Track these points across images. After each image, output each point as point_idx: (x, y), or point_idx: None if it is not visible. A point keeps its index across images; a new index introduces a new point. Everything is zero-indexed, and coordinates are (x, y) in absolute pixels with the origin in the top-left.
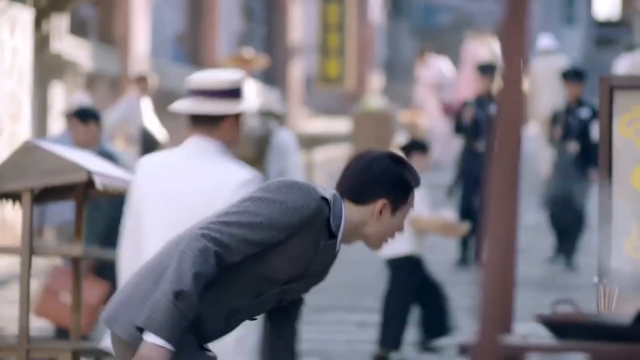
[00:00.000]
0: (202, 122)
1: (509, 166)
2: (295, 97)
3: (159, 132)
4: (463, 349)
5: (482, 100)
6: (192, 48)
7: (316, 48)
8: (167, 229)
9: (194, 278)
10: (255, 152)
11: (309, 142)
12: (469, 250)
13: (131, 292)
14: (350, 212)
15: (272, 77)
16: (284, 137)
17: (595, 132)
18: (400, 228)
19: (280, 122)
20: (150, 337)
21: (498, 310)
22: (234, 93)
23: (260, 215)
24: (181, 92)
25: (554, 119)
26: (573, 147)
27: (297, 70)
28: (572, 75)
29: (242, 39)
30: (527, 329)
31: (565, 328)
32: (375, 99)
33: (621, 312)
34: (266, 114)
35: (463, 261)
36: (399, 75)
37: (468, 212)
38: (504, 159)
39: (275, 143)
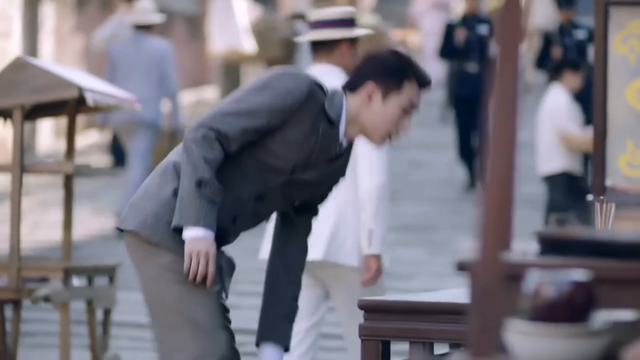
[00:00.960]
0: (322, 50)
1: (508, 84)
2: (286, 14)
3: None
4: (462, 266)
5: (469, 20)
6: None
7: None
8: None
9: (206, 163)
10: (284, 52)
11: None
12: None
13: (139, 193)
14: (347, 102)
15: None
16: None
17: (592, 54)
18: (397, 121)
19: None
20: (189, 232)
21: (498, 228)
22: (347, 22)
23: (253, 102)
24: (173, 11)
25: (547, 40)
26: None
27: None
28: (563, 1)
29: None
30: (524, 247)
31: (564, 245)
32: (367, 17)
33: (619, 229)
34: (294, 16)
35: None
36: None
37: (465, 139)
38: (504, 76)
39: (304, 43)
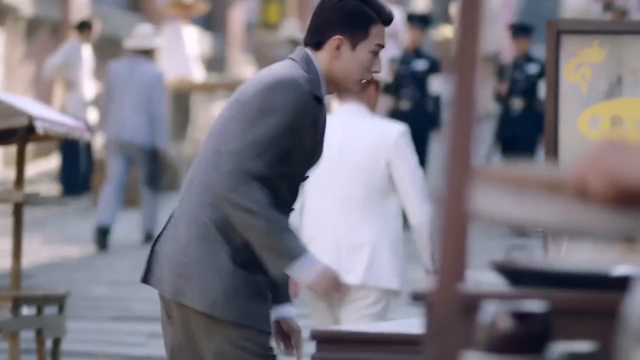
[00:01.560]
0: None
1: (464, 113)
2: (235, 43)
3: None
4: (416, 297)
5: (409, 57)
6: None
7: None
8: (337, 183)
9: (265, 207)
10: None
11: None
12: None
13: (184, 260)
14: (317, 61)
15: (213, 22)
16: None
17: (543, 89)
18: (369, 65)
19: None
20: (294, 268)
21: (454, 258)
22: None
23: (266, 134)
24: (122, 39)
25: (500, 74)
26: (518, 104)
27: (238, 16)
28: (520, 30)
29: None
30: (479, 276)
31: (520, 275)
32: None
33: (572, 258)
34: (290, 41)
35: None
36: None
37: None
38: (460, 104)
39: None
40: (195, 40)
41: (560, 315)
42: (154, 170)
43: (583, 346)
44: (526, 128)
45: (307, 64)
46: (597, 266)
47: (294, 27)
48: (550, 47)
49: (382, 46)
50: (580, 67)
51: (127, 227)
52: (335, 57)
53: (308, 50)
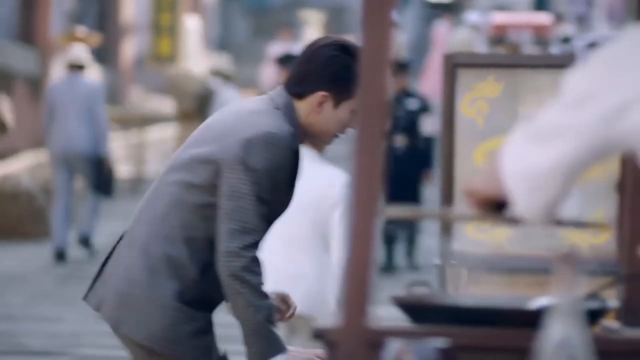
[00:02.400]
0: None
1: (370, 148)
2: (126, 75)
3: None
4: (319, 334)
5: (400, 97)
6: (25, 26)
7: (148, 26)
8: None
9: (261, 293)
10: (196, 107)
11: (141, 122)
12: None
13: (125, 287)
14: (297, 110)
15: (104, 55)
16: (231, 95)
17: (424, 125)
18: (348, 123)
19: (227, 81)
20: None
21: (359, 295)
22: None
23: (253, 192)
24: (13, 71)
25: None
26: (400, 141)
27: (129, 49)
28: (398, 66)
29: (75, 18)
30: (380, 313)
31: (422, 311)
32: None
33: (473, 293)
34: (215, 73)
35: None
36: (232, 55)
37: None
38: (367, 144)
39: (221, 100)
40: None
41: (463, 352)
42: (102, 178)
43: None
44: (409, 165)
45: (290, 114)
46: (501, 301)
47: (223, 61)
48: (446, 81)
49: None
50: (476, 101)
51: (21, 259)
52: (317, 112)
53: (290, 99)
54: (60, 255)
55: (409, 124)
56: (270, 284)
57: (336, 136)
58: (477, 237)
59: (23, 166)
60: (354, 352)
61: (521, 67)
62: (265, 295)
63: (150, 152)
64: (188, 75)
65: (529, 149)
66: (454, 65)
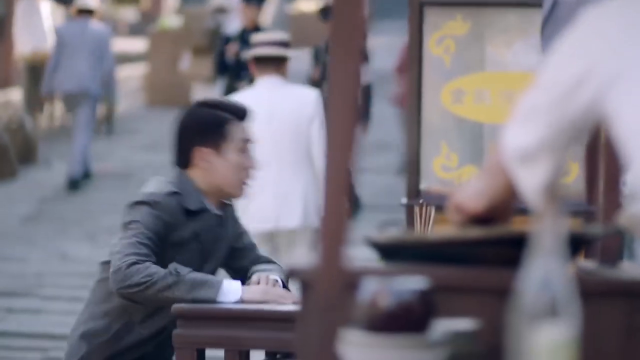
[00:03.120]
0: (269, 64)
1: (347, 79)
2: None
3: None
4: (293, 273)
5: (246, 33)
6: None
7: None
8: (270, 142)
9: (153, 272)
10: (208, 42)
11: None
12: None
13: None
14: (193, 179)
15: None
16: (234, 27)
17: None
18: (243, 163)
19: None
20: (224, 291)
21: (337, 235)
22: (286, 44)
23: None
24: None
25: (315, 58)
26: None
27: None
28: (326, 14)
29: None
30: (354, 253)
31: (397, 250)
32: (170, 19)
33: (441, 232)
34: (217, 10)
35: None
36: None
37: None
38: (342, 73)
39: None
40: (49, 14)
41: (441, 292)
42: (107, 118)
43: (465, 324)
44: None
45: (179, 180)
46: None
47: None
48: (413, 20)
49: (249, 141)
50: (444, 39)
51: None
52: (206, 168)
53: (181, 172)
54: (74, 185)
55: None
56: (268, 205)
57: (243, 182)
58: (444, 175)
59: None
60: (333, 292)
61: (489, 6)
62: (157, 272)
63: (119, 89)
64: (196, 12)
65: (518, 131)
66: (421, 3)
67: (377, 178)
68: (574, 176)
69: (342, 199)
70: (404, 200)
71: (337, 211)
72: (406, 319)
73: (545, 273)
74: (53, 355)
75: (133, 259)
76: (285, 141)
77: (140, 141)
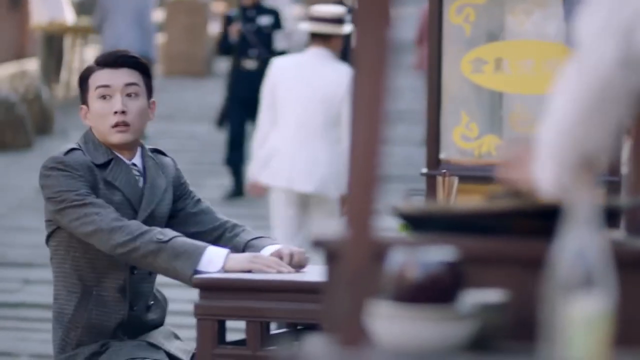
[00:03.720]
0: (320, 38)
1: (376, 47)
2: None
3: None
4: (318, 243)
5: (247, 11)
6: None
7: None
8: (300, 107)
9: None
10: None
11: None
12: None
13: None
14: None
15: None
16: None
17: (277, 41)
18: (104, 110)
19: None
20: (208, 266)
21: (367, 205)
22: (341, 20)
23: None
24: None
25: (227, 24)
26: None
27: None
28: None
29: None
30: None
31: (422, 220)
32: None
33: (468, 203)
34: None
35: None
36: None
37: (239, 139)
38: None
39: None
40: None
41: (473, 264)
42: None
43: (494, 295)
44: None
45: (84, 138)
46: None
47: None
48: None
49: (105, 86)
50: (464, 8)
51: (1, 169)
52: (89, 125)
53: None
54: None
55: (261, 41)
56: (285, 165)
57: (112, 127)
58: (464, 145)
59: (3, 76)
60: (360, 264)
61: None
62: (140, 233)
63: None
64: None
65: (561, 100)
66: None
67: (396, 148)
68: None
69: (371, 169)
70: (424, 170)
71: (366, 181)
72: (434, 291)
73: (580, 244)
74: (46, 327)
75: (107, 217)
76: (316, 111)
77: (157, 111)
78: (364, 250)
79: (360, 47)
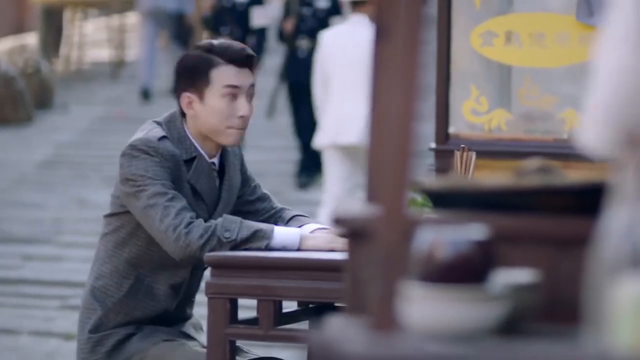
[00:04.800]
0: (359, 5)
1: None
2: None
3: None
4: (339, 221)
5: None
6: None
7: None
8: (347, 68)
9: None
10: None
11: (122, 6)
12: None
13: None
14: (190, 129)
15: None
16: None
17: (255, 17)
18: (228, 111)
19: None
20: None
21: (400, 182)
22: None
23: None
24: None
25: (286, 7)
26: (306, 44)
27: None
28: None
29: None
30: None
31: (448, 196)
32: None
33: (495, 179)
34: None
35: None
36: None
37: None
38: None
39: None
40: None
41: (508, 243)
42: (182, 32)
43: (525, 275)
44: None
45: (170, 125)
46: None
47: None
48: None
49: (235, 87)
50: None
51: (1, 143)
52: (191, 115)
53: (176, 114)
54: (146, 94)
55: (317, 26)
56: (332, 122)
57: (230, 129)
58: (474, 120)
59: (2, 50)
60: (394, 243)
61: None
62: (211, 233)
63: (130, 36)
64: None
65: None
66: None
67: None
68: None
69: (405, 144)
70: (432, 145)
71: (400, 157)
72: (464, 271)
73: (628, 222)
74: (72, 303)
75: (183, 221)
76: (357, 72)
77: (158, 86)
78: (398, 229)
79: (393, 21)
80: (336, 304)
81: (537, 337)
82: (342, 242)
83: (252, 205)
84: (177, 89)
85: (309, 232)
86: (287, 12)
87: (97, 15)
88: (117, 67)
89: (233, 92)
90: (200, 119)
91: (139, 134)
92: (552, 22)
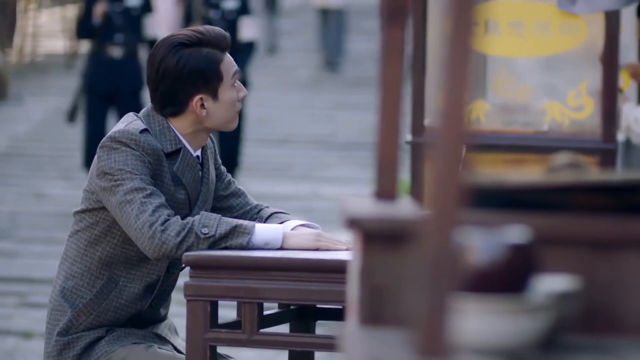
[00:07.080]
0: None
1: (459, 56)
2: None
3: None
4: (354, 222)
5: None
6: None
7: None
8: None
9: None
10: None
11: None
12: None
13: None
14: (178, 125)
15: None
16: None
17: (244, 29)
18: (239, 97)
19: None
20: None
21: (450, 181)
22: None
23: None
24: None
25: (188, 14)
26: None
27: None
28: None
29: None
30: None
31: (483, 195)
32: None
33: (522, 175)
34: None
35: None
36: None
37: (96, 138)
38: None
39: None
40: None
41: (550, 246)
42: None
43: (566, 282)
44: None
45: (148, 118)
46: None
47: None
48: None
49: (237, 72)
50: None
51: None
52: (202, 115)
53: (163, 119)
54: None
55: (227, 28)
56: None
57: (237, 114)
58: None
59: None
60: (448, 250)
61: None
62: (188, 231)
63: None
64: None
65: None
66: None
67: (366, 114)
68: (590, 112)
69: (459, 138)
70: (409, 138)
71: (453, 151)
72: (502, 278)
73: None
74: (31, 300)
75: (159, 218)
76: None
77: None
78: (448, 235)
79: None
80: (318, 306)
81: (579, 351)
82: (326, 240)
83: (226, 200)
84: (185, 93)
85: (290, 229)
86: (190, 16)
87: (51, 5)
88: (71, 58)
89: (236, 77)
90: (215, 116)
91: (119, 126)
92: (533, 10)
